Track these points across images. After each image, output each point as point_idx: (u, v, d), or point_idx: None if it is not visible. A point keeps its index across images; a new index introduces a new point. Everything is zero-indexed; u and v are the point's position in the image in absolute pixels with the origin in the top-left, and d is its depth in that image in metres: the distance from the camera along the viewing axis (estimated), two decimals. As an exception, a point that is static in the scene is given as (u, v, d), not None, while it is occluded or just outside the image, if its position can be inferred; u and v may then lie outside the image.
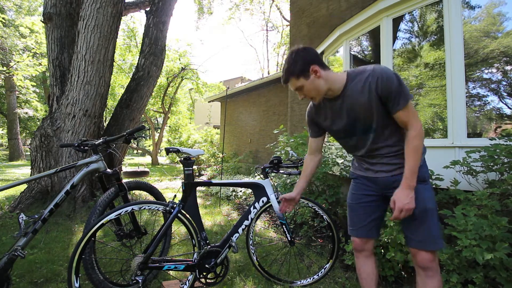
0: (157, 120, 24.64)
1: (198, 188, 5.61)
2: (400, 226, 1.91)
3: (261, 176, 2.00)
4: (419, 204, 1.22)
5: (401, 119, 1.21)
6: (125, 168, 8.97)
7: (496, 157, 1.78)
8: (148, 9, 4.91)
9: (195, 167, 8.76)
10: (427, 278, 1.25)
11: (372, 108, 1.22)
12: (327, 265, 2.07)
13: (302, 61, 1.22)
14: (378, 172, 1.34)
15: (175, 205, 1.69)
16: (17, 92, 15.43)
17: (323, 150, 3.25)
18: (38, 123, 17.69)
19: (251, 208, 1.89)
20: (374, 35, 3.48)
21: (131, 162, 13.99)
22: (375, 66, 1.22)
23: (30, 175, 4.10)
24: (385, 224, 1.98)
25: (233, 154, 9.95)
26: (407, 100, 1.17)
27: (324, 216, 2.05)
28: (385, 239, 1.94)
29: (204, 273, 1.74)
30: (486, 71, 2.63)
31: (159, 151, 16.69)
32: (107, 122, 4.66)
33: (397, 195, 1.20)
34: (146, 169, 9.15)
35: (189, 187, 1.77)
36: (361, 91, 1.22)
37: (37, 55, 12.46)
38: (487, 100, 2.65)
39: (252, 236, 2.11)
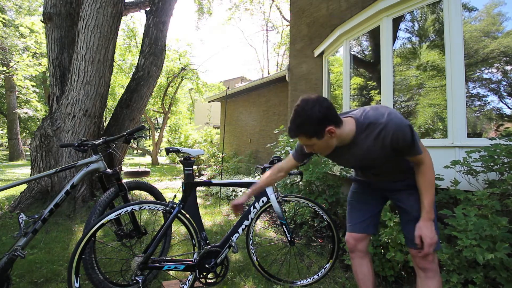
0: (157, 120, 24.63)
1: (198, 188, 5.61)
2: (400, 226, 1.91)
3: (261, 176, 2.00)
4: (418, 207, 1.26)
5: (413, 160, 1.23)
6: (126, 168, 8.97)
7: (496, 157, 1.78)
8: (148, 9, 4.91)
9: (195, 167, 8.76)
10: (427, 279, 1.26)
11: (382, 159, 1.23)
12: (327, 265, 2.07)
13: (318, 121, 1.07)
14: (378, 181, 1.42)
15: (175, 205, 1.69)
16: (17, 92, 15.43)
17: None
18: (38, 123, 17.69)
19: (251, 208, 1.89)
20: (374, 35, 3.48)
21: (131, 162, 14.01)
22: (387, 119, 1.12)
23: (30, 175, 4.10)
24: (385, 224, 1.98)
25: (233, 154, 9.95)
26: (418, 154, 1.17)
27: (324, 216, 2.05)
28: (385, 239, 1.94)
29: (204, 273, 1.74)
30: (486, 71, 2.63)
31: (159, 151, 16.68)
32: (107, 122, 4.66)
33: (422, 230, 1.19)
34: (147, 169, 9.15)
35: (189, 187, 1.77)
36: (372, 145, 1.16)
37: (37, 55, 12.45)
38: (487, 100, 2.65)
39: (252, 236, 2.11)
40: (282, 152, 3.65)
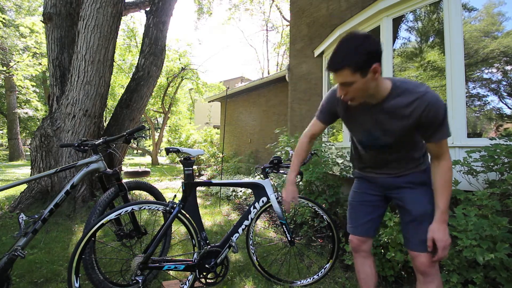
0: (157, 120, 24.63)
1: (198, 188, 5.61)
2: (399, 226, 1.91)
3: (261, 176, 2.00)
4: (420, 206, 1.23)
5: (434, 150, 1.17)
6: (125, 168, 8.97)
7: (496, 157, 1.78)
8: (148, 9, 4.91)
9: (195, 167, 8.76)
10: (426, 284, 1.23)
11: (403, 132, 1.16)
12: (327, 265, 2.07)
13: (367, 55, 0.99)
14: (381, 175, 1.36)
15: (175, 205, 1.69)
16: (17, 92, 15.43)
17: (323, 150, 3.26)
18: (38, 123, 17.69)
19: (251, 208, 1.89)
20: (374, 35, 3.47)
21: (131, 162, 14.00)
22: (426, 90, 1.08)
23: (30, 175, 4.10)
24: (385, 224, 1.98)
25: (233, 154, 9.95)
26: (446, 137, 1.14)
27: (324, 216, 2.05)
28: (385, 239, 1.94)
29: (204, 273, 1.74)
30: (486, 71, 2.63)
31: (159, 151, 16.68)
32: (107, 122, 4.66)
33: (436, 233, 1.14)
34: (147, 169, 9.15)
35: (189, 187, 1.77)
36: (402, 113, 1.11)
37: (37, 55, 12.45)
38: (487, 100, 2.65)
39: (252, 236, 2.11)
40: (282, 152, 3.65)
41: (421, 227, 1.22)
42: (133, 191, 4.44)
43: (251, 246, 2.09)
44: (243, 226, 1.86)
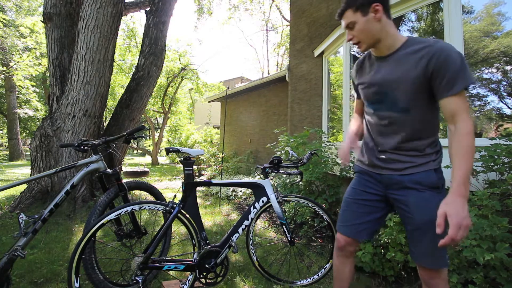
0: (157, 120, 24.63)
1: (198, 188, 5.61)
2: (400, 226, 1.91)
3: (261, 176, 2.00)
4: (425, 214, 1.08)
5: (451, 107, 1.00)
6: (124, 168, 8.97)
7: (496, 157, 1.78)
8: (148, 9, 4.90)
9: (195, 167, 8.76)
10: None
11: (412, 81, 1.06)
12: (327, 265, 2.07)
13: None
14: (384, 170, 1.20)
15: (175, 205, 1.69)
16: (17, 92, 15.43)
17: (323, 150, 3.26)
18: (38, 123, 17.69)
19: (251, 208, 1.89)
20: (374, 35, 3.48)
21: (131, 162, 13.99)
22: (439, 41, 1.03)
23: (30, 175, 4.10)
24: (385, 224, 1.98)
25: (233, 154, 9.95)
26: (466, 85, 0.98)
27: (324, 216, 2.05)
28: (385, 239, 1.94)
29: (204, 273, 1.74)
30: (486, 71, 2.63)
31: (159, 151, 16.69)
32: (107, 122, 4.66)
33: (450, 206, 0.91)
34: (146, 169, 9.16)
35: (189, 187, 1.77)
36: (410, 59, 1.07)
37: (37, 55, 12.45)
38: (487, 100, 2.65)
39: (252, 236, 2.11)
40: (282, 152, 3.65)
41: (425, 238, 1.09)
42: (133, 191, 4.44)
43: (251, 246, 2.09)
44: (243, 226, 1.86)
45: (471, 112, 2.65)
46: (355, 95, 1.44)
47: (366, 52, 1.30)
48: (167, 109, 14.84)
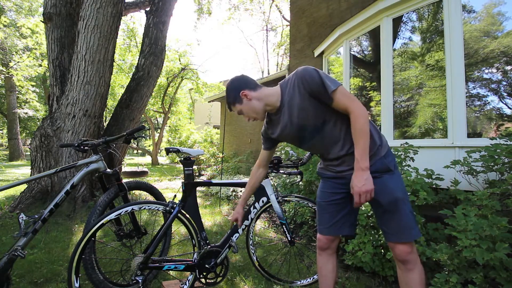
0: (157, 120, 24.64)
1: (198, 188, 5.61)
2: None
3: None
4: (387, 195, 1.21)
5: (339, 106, 1.21)
6: (124, 168, 8.98)
7: (496, 157, 1.78)
8: (148, 9, 4.91)
9: (195, 167, 8.76)
10: (407, 272, 1.26)
11: (309, 106, 1.24)
12: (327, 265, 2.07)
13: (234, 90, 1.36)
14: (345, 172, 1.33)
15: (175, 205, 1.69)
16: (17, 92, 15.44)
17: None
18: (38, 123, 17.69)
19: (251, 208, 1.89)
20: (374, 35, 3.48)
21: (131, 162, 14.00)
22: (297, 69, 1.27)
23: (30, 175, 4.10)
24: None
25: (233, 154, 9.95)
26: (335, 85, 1.18)
27: (324, 216, 2.05)
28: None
29: (204, 273, 1.74)
30: (486, 71, 2.63)
31: (159, 151, 16.69)
32: (107, 122, 4.66)
33: (353, 181, 1.18)
34: (145, 169, 9.17)
35: (189, 187, 1.77)
36: (293, 95, 1.27)
37: (37, 55, 12.45)
38: (487, 100, 2.65)
39: (252, 236, 2.11)
40: (282, 152, 3.65)
41: (394, 216, 1.23)
42: (133, 191, 4.44)
43: (251, 246, 2.09)
44: (243, 226, 1.86)
45: (471, 112, 2.66)
46: (263, 146, 1.61)
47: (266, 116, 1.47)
48: (167, 109, 14.84)
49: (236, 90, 1.35)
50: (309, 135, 1.33)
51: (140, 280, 1.53)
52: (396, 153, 2.32)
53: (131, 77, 4.69)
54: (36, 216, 1.74)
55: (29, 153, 4.82)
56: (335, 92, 1.18)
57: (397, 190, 1.22)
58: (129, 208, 1.60)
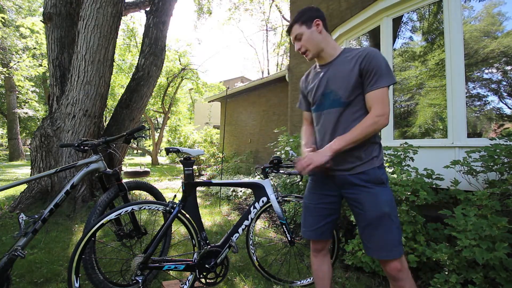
0: (157, 120, 24.63)
1: (198, 188, 5.61)
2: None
3: (261, 176, 2.00)
4: (375, 208, 1.18)
5: (371, 100, 1.20)
6: (125, 168, 8.98)
7: (496, 157, 1.78)
8: (148, 9, 4.90)
9: (195, 167, 8.76)
10: None
11: (349, 79, 1.24)
12: (327, 265, 2.07)
13: (310, 13, 1.32)
14: (336, 171, 1.29)
15: (175, 205, 1.69)
16: (17, 92, 15.44)
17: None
18: (38, 123, 17.69)
19: (251, 208, 1.89)
20: (374, 35, 3.48)
21: (131, 162, 14.00)
22: (369, 47, 1.28)
23: (30, 175, 4.10)
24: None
25: (233, 154, 9.95)
26: (387, 83, 1.18)
27: (324, 216, 2.05)
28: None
29: (204, 273, 1.74)
30: (486, 71, 2.63)
31: (159, 151, 16.69)
32: (107, 122, 4.66)
33: (315, 153, 1.21)
34: (147, 169, 9.17)
35: (189, 187, 1.77)
36: (346, 62, 1.27)
37: (37, 55, 12.45)
38: (487, 100, 2.65)
39: (252, 236, 2.11)
40: (282, 152, 3.65)
41: (377, 232, 1.18)
42: (133, 191, 4.44)
43: (251, 246, 2.09)
44: (243, 226, 1.86)
45: (471, 112, 2.65)
46: (303, 108, 1.57)
47: (311, 66, 1.49)
48: (167, 109, 14.84)
49: (313, 14, 1.32)
50: (329, 105, 1.31)
51: (140, 280, 1.54)
52: (396, 153, 2.32)
53: (131, 77, 4.69)
54: (36, 216, 1.74)
55: (29, 153, 4.83)
56: (382, 88, 1.18)
57: (387, 204, 1.18)
58: (129, 208, 1.61)
